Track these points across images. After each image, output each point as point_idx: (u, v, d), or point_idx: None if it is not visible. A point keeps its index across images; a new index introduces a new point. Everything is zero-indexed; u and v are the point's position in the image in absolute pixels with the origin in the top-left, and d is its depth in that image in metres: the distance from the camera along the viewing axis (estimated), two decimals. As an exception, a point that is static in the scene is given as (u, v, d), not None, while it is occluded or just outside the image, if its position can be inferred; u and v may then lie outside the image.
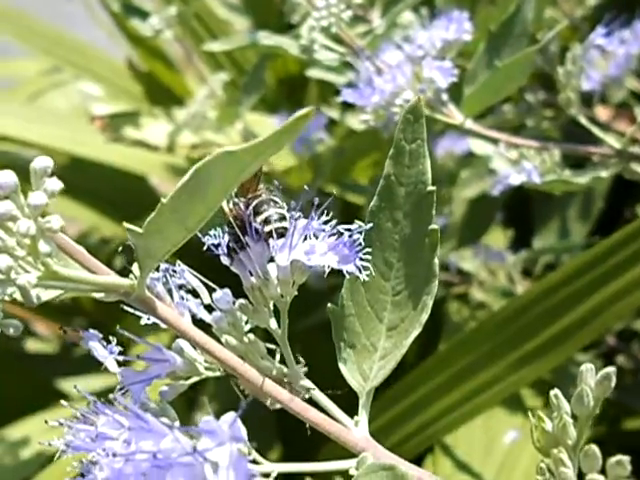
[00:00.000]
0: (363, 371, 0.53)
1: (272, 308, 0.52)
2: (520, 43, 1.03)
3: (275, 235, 0.51)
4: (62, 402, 0.47)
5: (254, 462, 0.45)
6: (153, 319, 0.50)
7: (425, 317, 0.52)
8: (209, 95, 1.54)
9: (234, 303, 0.51)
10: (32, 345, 1.91)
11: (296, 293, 0.52)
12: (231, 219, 0.52)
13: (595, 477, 0.45)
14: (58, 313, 1.79)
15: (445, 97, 1.02)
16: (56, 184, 0.41)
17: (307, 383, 0.51)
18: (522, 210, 1.56)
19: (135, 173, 1.74)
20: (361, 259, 0.51)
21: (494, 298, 1.47)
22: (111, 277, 0.45)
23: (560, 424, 0.47)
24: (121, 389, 0.49)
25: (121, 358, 0.50)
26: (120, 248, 0.45)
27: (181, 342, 0.51)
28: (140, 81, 1.90)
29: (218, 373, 0.52)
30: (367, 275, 0.50)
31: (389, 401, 1.19)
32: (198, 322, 0.52)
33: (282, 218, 0.52)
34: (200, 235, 0.50)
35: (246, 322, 0.52)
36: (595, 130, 1.03)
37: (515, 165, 1.08)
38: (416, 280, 0.53)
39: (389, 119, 1.01)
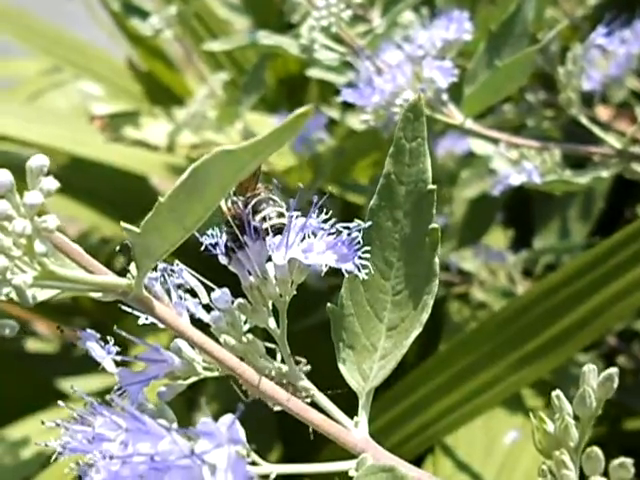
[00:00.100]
0: (363, 371, 0.53)
1: (271, 308, 0.52)
2: (520, 43, 1.03)
3: (273, 233, 0.51)
4: (59, 403, 0.47)
5: (253, 464, 0.45)
6: (151, 319, 0.49)
7: (426, 317, 0.51)
8: (209, 95, 1.54)
9: (233, 302, 0.51)
10: (32, 345, 1.91)
11: (295, 293, 0.51)
12: (229, 218, 0.52)
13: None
14: (58, 313, 1.79)
15: (445, 97, 1.02)
16: (52, 183, 0.40)
17: (307, 383, 0.50)
18: (522, 210, 1.55)
19: (135, 173, 1.74)
20: (360, 258, 0.50)
21: (494, 298, 1.46)
22: (108, 277, 0.45)
23: (562, 425, 0.46)
24: (119, 390, 0.49)
25: (119, 358, 0.50)
26: (118, 248, 0.45)
27: (179, 342, 0.50)
28: (140, 81, 1.90)
29: (217, 373, 0.51)
30: (367, 274, 0.50)
31: (389, 401, 1.19)
32: (197, 322, 0.52)
33: (280, 216, 0.52)
34: (198, 235, 0.50)
35: (245, 322, 0.52)
36: (596, 130, 1.03)
37: (515, 165, 1.08)
38: (416, 279, 0.53)
39: (389, 119, 1.01)
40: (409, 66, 1.01)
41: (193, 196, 0.39)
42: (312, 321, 1.25)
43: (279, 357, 0.52)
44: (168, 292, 0.52)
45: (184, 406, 1.40)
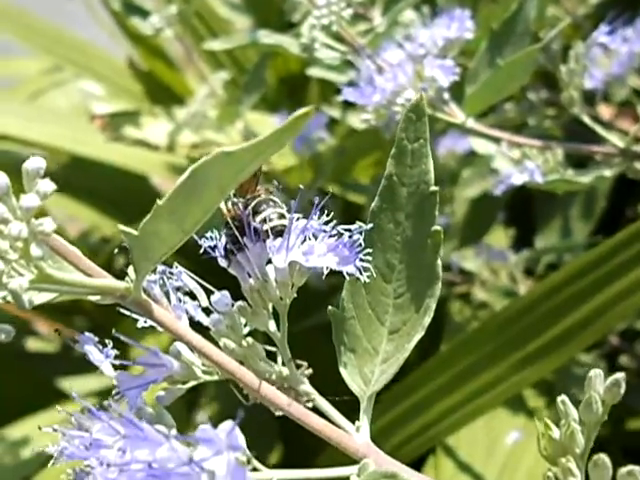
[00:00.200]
0: (364, 375, 0.52)
1: (271, 310, 0.51)
2: (522, 41, 1.03)
3: (274, 235, 0.50)
4: (58, 407, 0.47)
5: (253, 469, 0.44)
6: (150, 322, 0.49)
7: (428, 320, 0.51)
8: (210, 94, 1.54)
9: (232, 305, 0.50)
10: (32, 344, 1.91)
11: (295, 295, 0.51)
12: (229, 219, 0.51)
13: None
14: (58, 312, 1.79)
15: (447, 96, 1.01)
16: (49, 186, 0.40)
17: (308, 388, 0.50)
18: (524, 209, 1.55)
19: (136, 172, 1.74)
20: (362, 260, 0.50)
21: (496, 298, 1.46)
22: (106, 280, 0.44)
23: (568, 432, 0.45)
24: (117, 393, 0.48)
25: (117, 362, 0.50)
26: (116, 250, 0.44)
27: (179, 345, 0.50)
28: (140, 80, 1.90)
29: (216, 377, 0.51)
30: (368, 277, 0.50)
31: (390, 402, 1.18)
32: (196, 325, 0.51)
33: (281, 217, 0.51)
34: (197, 237, 0.50)
35: (245, 325, 0.51)
36: (598, 129, 1.02)
37: (517, 164, 1.07)
38: (418, 282, 0.52)
39: (390, 118, 1.01)
40: (410, 65, 1.01)
41: (192, 198, 0.39)
42: (313, 322, 1.25)
43: (279, 360, 0.51)
44: (167, 295, 0.51)
45: (184, 407, 1.40)
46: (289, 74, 1.78)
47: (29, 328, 1.87)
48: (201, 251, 0.52)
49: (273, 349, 0.51)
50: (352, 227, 0.50)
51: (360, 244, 0.50)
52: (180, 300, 0.52)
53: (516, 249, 1.49)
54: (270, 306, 0.51)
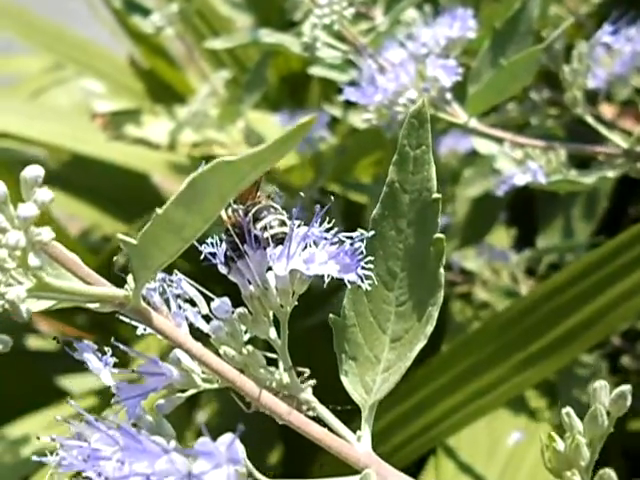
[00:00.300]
0: (366, 384, 0.52)
1: (272, 317, 0.51)
2: (525, 41, 1.02)
3: (274, 242, 0.49)
4: (56, 416, 0.46)
5: None
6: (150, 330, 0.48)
7: (430, 329, 0.50)
8: (211, 93, 1.53)
9: (233, 312, 0.50)
10: (33, 342, 1.91)
11: (296, 303, 0.50)
12: (229, 226, 0.51)
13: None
14: (59, 310, 1.79)
15: (449, 96, 1.00)
16: (47, 195, 0.39)
17: (308, 396, 0.49)
18: (526, 209, 1.54)
19: (137, 171, 1.74)
20: (363, 268, 0.49)
21: (497, 298, 1.46)
22: (105, 288, 0.44)
23: (573, 444, 0.45)
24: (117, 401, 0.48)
25: (116, 370, 0.49)
26: (115, 258, 0.44)
27: (178, 352, 0.49)
28: (142, 78, 1.89)
29: (216, 385, 0.50)
30: (370, 285, 0.49)
31: (391, 402, 1.18)
32: (197, 331, 0.51)
33: (282, 224, 0.51)
34: (197, 244, 0.49)
35: (245, 331, 0.51)
36: (601, 129, 1.02)
37: (520, 165, 1.07)
38: (421, 290, 0.51)
39: (392, 118, 1.00)
40: (412, 64, 1.00)
41: (191, 207, 0.38)
42: (313, 321, 1.24)
43: (281, 367, 0.50)
44: (167, 301, 0.51)
45: (184, 406, 1.40)
46: (290, 73, 1.77)
47: (30, 326, 1.86)
48: (202, 257, 0.52)
49: (274, 356, 0.51)
50: (353, 234, 0.49)
51: (362, 252, 0.49)
52: (180, 307, 0.51)
53: (518, 249, 1.49)
54: (271, 313, 0.50)
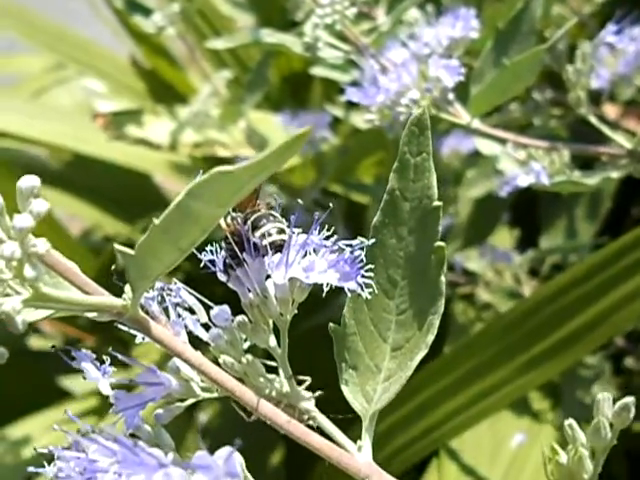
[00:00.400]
0: (366, 393, 0.51)
1: (272, 325, 0.50)
2: (528, 41, 1.01)
3: (273, 250, 0.49)
4: (55, 427, 0.46)
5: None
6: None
7: (431, 338, 0.50)
8: (212, 93, 1.53)
9: (232, 321, 0.49)
10: (35, 342, 1.91)
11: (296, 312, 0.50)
12: (228, 234, 0.50)
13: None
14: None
15: (451, 96, 1.00)
16: (43, 205, 0.39)
17: (308, 405, 0.49)
18: (529, 210, 1.54)
19: (138, 171, 1.73)
20: (363, 276, 0.48)
21: (500, 299, 1.45)
22: (103, 297, 0.44)
23: (576, 457, 0.44)
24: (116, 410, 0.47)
25: (114, 380, 0.49)
26: (113, 267, 0.43)
27: (177, 361, 0.49)
28: (143, 78, 1.89)
29: (215, 394, 0.50)
30: (370, 293, 0.48)
31: (393, 405, 1.17)
32: (196, 339, 0.50)
33: (281, 232, 0.50)
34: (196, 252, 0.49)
35: (245, 340, 0.50)
36: (605, 129, 1.01)
37: (523, 166, 1.06)
38: (422, 299, 0.51)
39: (394, 119, 0.99)
40: (415, 65, 1.00)
41: (189, 218, 0.38)
42: (313, 323, 1.24)
43: (281, 375, 0.50)
44: (166, 310, 0.50)
45: (185, 409, 1.39)
46: (292, 73, 1.76)
47: (32, 326, 1.86)
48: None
49: (273, 364, 0.50)
50: (353, 242, 0.49)
51: (362, 260, 0.48)
52: (179, 316, 0.51)
53: (521, 250, 1.48)
54: (271, 321, 0.50)
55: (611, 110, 1.45)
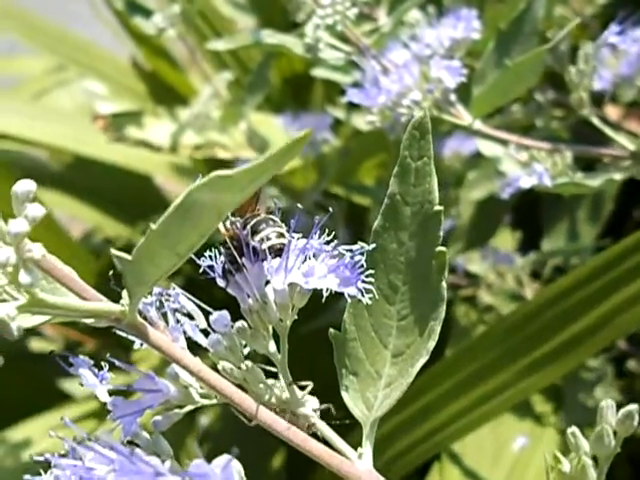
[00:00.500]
0: (367, 399, 0.51)
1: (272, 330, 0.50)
2: (530, 42, 1.01)
3: (272, 254, 0.48)
4: (52, 433, 0.45)
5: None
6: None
7: (432, 344, 0.49)
8: (213, 94, 1.52)
9: (232, 326, 0.49)
10: (36, 345, 1.90)
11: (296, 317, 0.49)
12: (227, 239, 0.49)
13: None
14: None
15: (453, 97, 0.99)
16: (38, 210, 0.38)
17: (308, 411, 0.48)
18: (531, 212, 1.53)
19: (139, 172, 1.73)
20: (364, 282, 0.48)
21: (502, 301, 1.45)
22: (101, 303, 0.43)
23: (579, 466, 0.44)
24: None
25: (112, 386, 0.48)
26: (111, 272, 0.43)
27: (176, 367, 0.48)
28: (144, 80, 1.88)
29: (215, 401, 0.49)
30: (370, 299, 0.48)
31: (395, 407, 1.17)
32: (195, 345, 0.50)
33: (280, 236, 0.49)
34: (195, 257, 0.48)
35: (245, 345, 0.50)
36: (608, 131, 1.00)
37: (525, 167, 1.06)
38: (423, 304, 0.50)
39: (396, 120, 0.99)
40: (416, 66, 0.99)
41: (187, 222, 0.37)
42: (314, 326, 1.23)
43: (281, 381, 0.49)
44: (165, 315, 0.50)
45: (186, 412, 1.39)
46: (293, 74, 1.76)
47: (32, 329, 1.86)
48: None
49: (273, 369, 0.50)
50: (354, 247, 0.48)
51: (362, 265, 0.48)
52: (178, 321, 0.50)
53: (523, 252, 1.48)
54: (270, 327, 0.49)
55: (613, 112, 1.44)
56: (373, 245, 0.50)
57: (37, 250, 0.38)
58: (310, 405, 0.48)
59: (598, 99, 1.10)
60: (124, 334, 0.48)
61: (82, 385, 0.50)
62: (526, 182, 1.04)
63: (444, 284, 0.50)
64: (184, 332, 0.50)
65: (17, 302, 0.38)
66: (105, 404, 0.48)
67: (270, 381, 0.49)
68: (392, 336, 0.51)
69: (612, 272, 1.07)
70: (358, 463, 0.48)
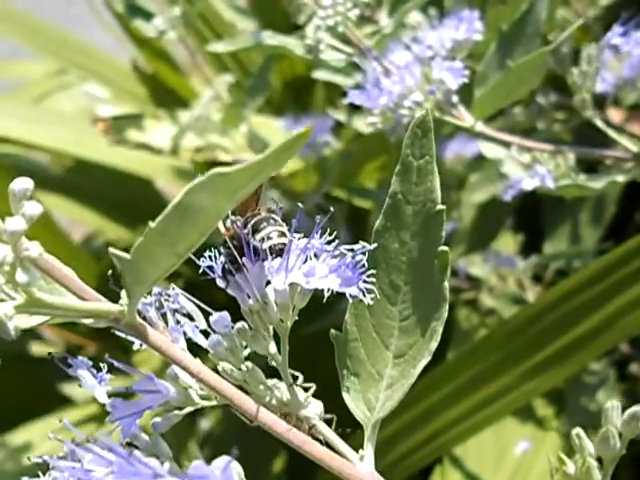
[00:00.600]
0: (368, 401, 0.50)
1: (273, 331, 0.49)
2: (532, 43, 1.00)
3: (273, 254, 0.48)
4: (50, 435, 0.45)
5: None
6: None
7: (434, 345, 0.49)
8: (214, 97, 1.52)
9: (232, 327, 0.48)
10: (36, 348, 1.90)
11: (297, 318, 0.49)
12: (227, 239, 0.49)
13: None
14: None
15: (455, 99, 0.99)
16: (36, 208, 0.38)
17: (309, 413, 0.48)
18: (532, 214, 1.53)
19: (140, 176, 1.73)
20: (365, 282, 0.47)
21: (504, 304, 1.44)
22: (99, 303, 0.43)
23: (584, 467, 0.43)
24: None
25: (111, 388, 0.48)
26: (110, 271, 0.42)
27: (175, 368, 0.48)
28: (145, 83, 1.88)
29: (214, 402, 0.49)
30: (372, 299, 0.47)
31: (397, 411, 1.16)
32: (195, 346, 0.49)
33: (281, 235, 0.49)
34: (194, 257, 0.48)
35: (245, 346, 0.49)
36: (611, 133, 1.00)
37: (527, 169, 1.05)
38: (425, 305, 0.50)
39: (397, 122, 0.99)
40: (418, 67, 0.99)
41: (186, 221, 0.37)
42: (315, 328, 1.23)
43: (281, 383, 0.49)
44: (164, 316, 0.49)
45: (187, 415, 1.38)
46: (294, 77, 1.76)
47: (33, 331, 1.85)
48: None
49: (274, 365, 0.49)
50: (355, 247, 0.48)
51: (363, 265, 0.47)
52: (178, 322, 0.50)
53: (524, 255, 1.47)
54: (271, 328, 0.49)
55: (615, 114, 1.44)
56: (374, 245, 0.50)
57: (34, 248, 0.37)
58: (312, 407, 0.48)
59: (600, 102, 1.10)
60: (126, 339, 0.48)
61: (81, 387, 0.49)
62: (528, 184, 1.03)
63: (446, 284, 0.49)
64: (184, 333, 0.49)
65: (14, 302, 0.38)
66: (105, 407, 0.48)
67: (271, 382, 0.49)
68: (394, 337, 0.51)
69: (614, 275, 1.06)
70: (360, 465, 0.48)
